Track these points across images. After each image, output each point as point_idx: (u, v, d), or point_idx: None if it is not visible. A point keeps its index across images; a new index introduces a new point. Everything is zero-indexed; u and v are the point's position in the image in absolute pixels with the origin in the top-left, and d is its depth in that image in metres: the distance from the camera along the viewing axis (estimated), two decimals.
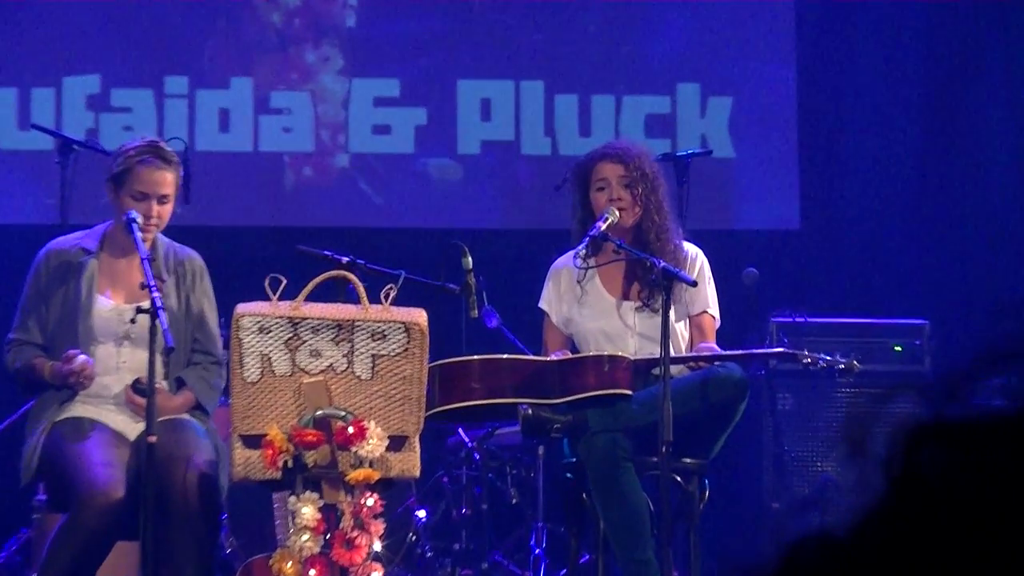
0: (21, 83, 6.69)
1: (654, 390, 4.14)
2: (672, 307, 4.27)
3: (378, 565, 3.89)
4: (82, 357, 4.14)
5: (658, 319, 4.21)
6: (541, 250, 4.96)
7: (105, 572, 4.06)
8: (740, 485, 5.86)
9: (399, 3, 6.96)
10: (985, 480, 0.87)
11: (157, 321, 3.89)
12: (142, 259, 4.02)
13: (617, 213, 4.43)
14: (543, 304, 4.62)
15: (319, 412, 3.88)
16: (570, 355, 4.42)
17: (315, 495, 3.83)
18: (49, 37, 6.69)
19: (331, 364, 3.93)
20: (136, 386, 4.18)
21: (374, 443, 3.84)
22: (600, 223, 4.38)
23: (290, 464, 3.84)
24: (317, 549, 3.81)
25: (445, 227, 6.55)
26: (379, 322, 3.91)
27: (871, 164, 7.00)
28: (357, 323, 3.92)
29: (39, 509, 4.53)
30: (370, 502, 3.84)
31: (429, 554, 5.58)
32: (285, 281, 3.88)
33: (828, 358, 4.39)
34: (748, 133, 6.97)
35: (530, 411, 4.18)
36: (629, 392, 4.21)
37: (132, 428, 4.21)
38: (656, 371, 4.18)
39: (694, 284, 4.34)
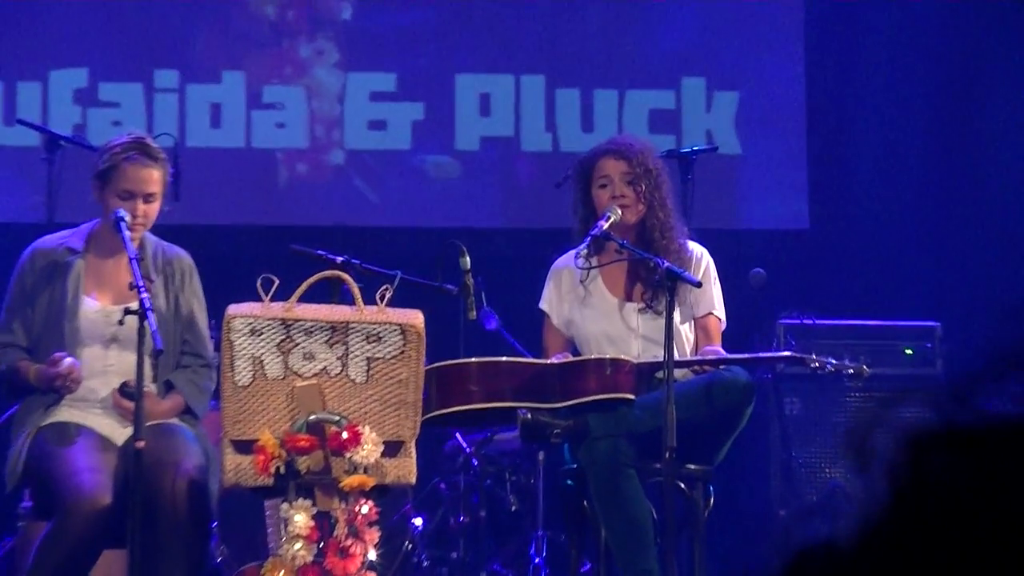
0: (6, 76, 6.69)
1: (657, 394, 4.14)
2: (676, 309, 4.28)
3: (373, 574, 3.89)
4: (68, 360, 4.14)
5: (662, 321, 4.21)
6: (541, 249, 4.96)
7: None
8: (746, 492, 5.86)
9: None
10: (994, 489, 0.86)
11: (146, 323, 3.89)
12: (130, 259, 4.02)
13: (620, 211, 4.43)
14: (543, 305, 4.62)
15: (312, 417, 3.88)
16: (571, 358, 4.42)
17: (308, 502, 3.83)
18: (35, 29, 6.69)
19: (325, 367, 3.93)
20: (124, 389, 4.18)
21: (369, 448, 3.85)
22: (602, 222, 4.38)
23: (282, 470, 3.84)
24: (310, 558, 3.81)
25: (443, 226, 6.55)
26: (374, 324, 3.91)
27: (881, 162, 7.00)
28: (352, 325, 3.92)
29: (24, 516, 4.52)
30: (365, 509, 3.84)
31: (426, 563, 5.57)
32: (277, 281, 3.88)
33: (837, 362, 4.39)
34: (755, 129, 6.97)
35: (530, 415, 4.18)
36: (632, 396, 4.21)
37: (119, 433, 4.21)
38: (660, 375, 4.18)
39: (699, 285, 4.34)
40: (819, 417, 5.89)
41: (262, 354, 3.91)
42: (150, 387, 4.18)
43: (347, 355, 3.93)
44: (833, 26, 7.04)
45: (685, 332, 4.52)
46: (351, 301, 3.97)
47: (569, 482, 4.36)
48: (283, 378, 3.92)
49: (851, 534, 0.91)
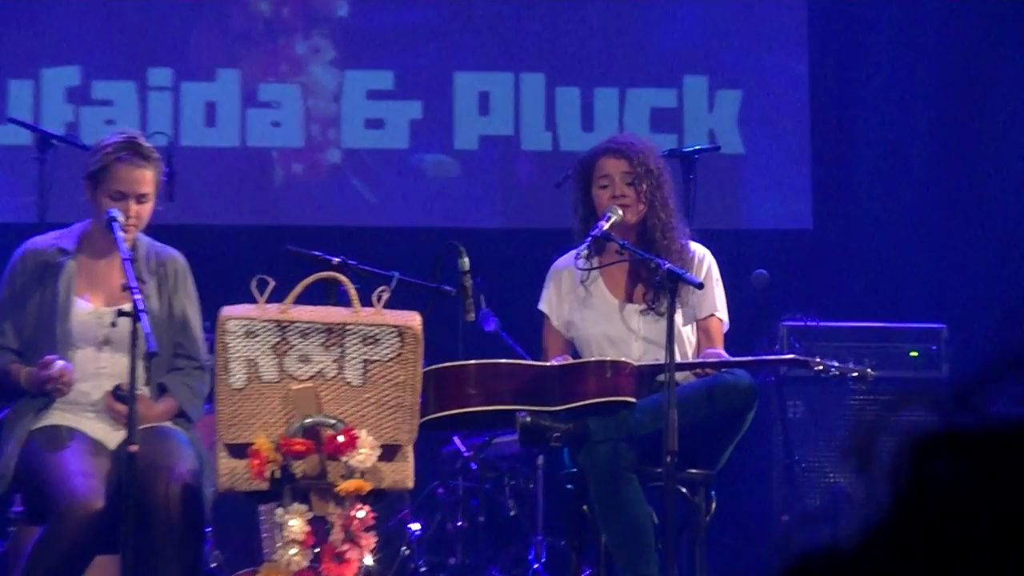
0: None
1: (658, 397, 4.14)
2: (678, 310, 4.28)
3: None
4: (60, 363, 4.14)
5: (663, 323, 4.21)
6: (541, 250, 4.96)
7: None
8: (748, 497, 5.86)
9: None
10: (996, 492, 0.86)
11: (139, 324, 3.89)
12: (123, 259, 4.01)
13: (620, 212, 4.44)
14: (543, 306, 4.63)
15: (308, 420, 3.88)
16: (571, 360, 4.42)
17: (303, 507, 3.83)
18: (27, 26, 6.69)
19: (321, 370, 3.93)
20: (116, 393, 4.17)
21: (365, 452, 3.84)
22: (603, 222, 4.38)
23: (277, 474, 3.84)
24: (305, 563, 3.81)
25: (441, 226, 6.55)
26: (371, 326, 3.91)
27: (887, 161, 7.00)
28: (348, 327, 3.92)
29: (15, 521, 4.52)
30: (361, 514, 3.84)
31: (423, 569, 5.57)
32: (273, 283, 3.88)
33: (840, 365, 4.40)
34: (758, 128, 6.97)
35: (529, 419, 4.19)
36: (633, 399, 4.21)
37: (112, 437, 4.21)
38: (661, 377, 4.18)
39: (701, 286, 4.34)
40: (822, 421, 5.89)
41: (257, 356, 3.91)
42: (143, 390, 4.18)
43: (343, 357, 3.93)
44: (837, 24, 7.05)
45: (687, 334, 4.52)
46: (347, 303, 3.97)
47: (569, 486, 4.36)
48: (278, 381, 3.92)
49: (853, 537, 0.91)
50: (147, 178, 4.21)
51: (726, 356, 4.45)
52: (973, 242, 6.88)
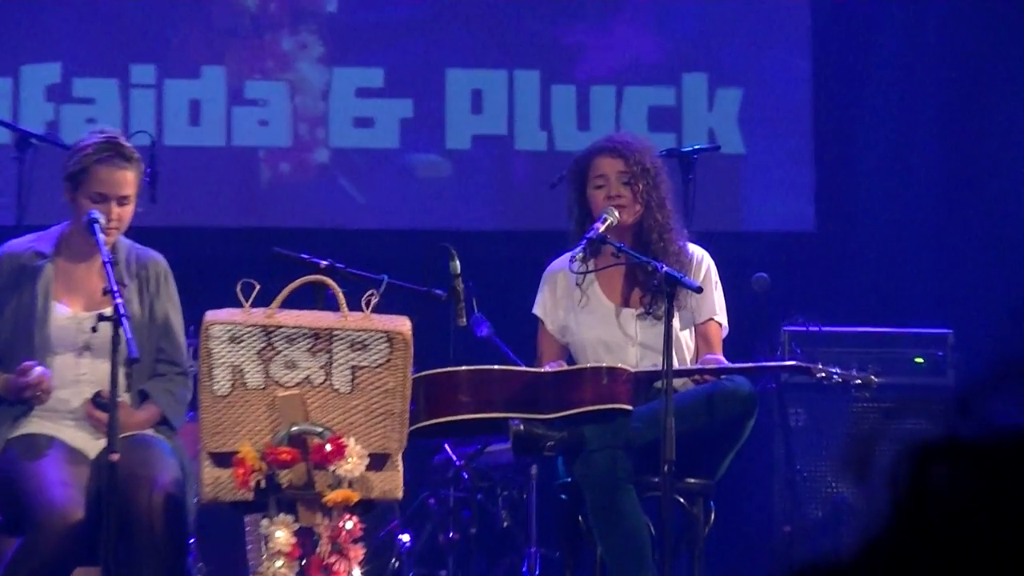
0: None
1: (656, 405, 4.14)
2: (676, 314, 4.28)
3: None
4: (39, 369, 4.14)
5: (661, 327, 4.22)
6: (535, 253, 4.96)
7: None
8: (748, 507, 5.87)
9: None
10: (997, 500, 0.87)
11: (120, 329, 3.89)
12: (104, 262, 4.01)
13: (616, 213, 4.44)
14: (537, 311, 4.63)
15: (294, 428, 3.88)
16: (566, 366, 4.42)
17: (290, 518, 3.83)
18: (5, 22, 6.69)
19: (307, 376, 3.93)
20: (97, 400, 4.17)
21: (354, 461, 3.84)
22: (598, 224, 4.39)
23: (263, 484, 3.84)
24: None
25: (432, 228, 6.55)
26: (360, 331, 3.91)
27: (891, 161, 7.01)
28: (336, 332, 3.92)
29: None
30: (349, 525, 3.84)
31: None
32: (258, 286, 3.88)
33: (843, 371, 4.40)
34: (759, 127, 6.98)
35: (522, 427, 4.19)
36: (629, 407, 4.21)
37: (92, 445, 4.21)
38: (658, 384, 4.18)
39: (699, 290, 4.34)
40: (825, 429, 5.89)
41: (242, 362, 3.91)
42: (124, 397, 4.18)
43: (331, 364, 3.93)
44: (840, 19, 7.05)
45: (685, 339, 4.52)
46: (335, 307, 3.97)
47: (563, 497, 4.36)
48: (264, 388, 3.92)
49: (852, 548, 0.91)
50: (128, 179, 4.21)
51: (725, 362, 4.45)
52: (981, 244, 6.88)
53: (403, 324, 3.94)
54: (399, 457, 3.98)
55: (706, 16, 7.01)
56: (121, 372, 4.03)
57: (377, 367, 3.93)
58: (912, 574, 0.89)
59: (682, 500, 4.25)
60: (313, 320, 3.95)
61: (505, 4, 6.98)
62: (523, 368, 4.50)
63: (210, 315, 3.91)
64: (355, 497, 3.85)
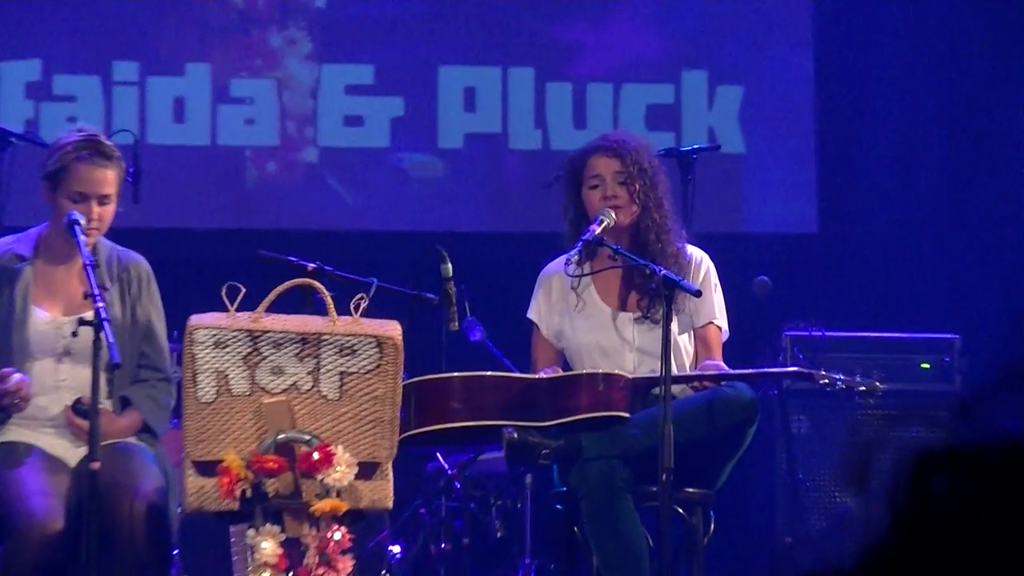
0: None
1: (654, 412, 4.14)
2: (674, 318, 4.28)
3: None
4: (17, 376, 4.13)
5: (659, 332, 4.21)
6: (530, 255, 4.96)
7: None
8: (749, 517, 5.87)
9: None
10: (996, 508, 0.87)
11: (102, 334, 3.88)
12: (86, 264, 4.00)
13: (613, 215, 4.44)
14: (532, 315, 4.63)
15: (281, 436, 3.87)
16: (562, 372, 4.42)
17: (276, 528, 3.83)
18: None
19: (295, 382, 3.93)
20: (77, 407, 4.17)
21: (342, 470, 3.84)
22: (594, 226, 4.38)
23: (248, 494, 3.84)
24: None
25: (423, 229, 6.55)
26: (348, 336, 3.91)
27: (896, 161, 7.02)
28: (324, 337, 3.91)
29: None
30: (337, 536, 3.84)
31: None
32: (244, 290, 3.87)
33: (847, 377, 4.40)
34: (760, 127, 6.98)
35: (516, 435, 4.18)
36: (627, 414, 4.21)
37: (72, 453, 4.20)
38: (656, 391, 4.18)
39: (699, 294, 4.34)
40: (828, 437, 5.89)
41: (227, 368, 3.90)
42: (105, 404, 4.17)
43: (319, 369, 3.92)
44: (843, 16, 7.06)
45: (684, 344, 4.52)
46: (323, 311, 3.97)
47: (559, 506, 4.36)
48: (249, 394, 3.92)
49: (853, 555, 0.91)
50: (109, 178, 4.21)
51: (725, 368, 4.45)
52: (988, 248, 6.88)
53: (393, 329, 3.94)
54: (389, 466, 3.97)
55: (706, 12, 7.01)
56: (102, 378, 4.02)
57: (366, 373, 3.92)
58: None
59: (681, 510, 4.25)
60: (300, 324, 3.94)
61: (499, 0, 6.98)
62: (517, 374, 4.50)
63: (194, 319, 3.91)
64: (344, 507, 3.84)
